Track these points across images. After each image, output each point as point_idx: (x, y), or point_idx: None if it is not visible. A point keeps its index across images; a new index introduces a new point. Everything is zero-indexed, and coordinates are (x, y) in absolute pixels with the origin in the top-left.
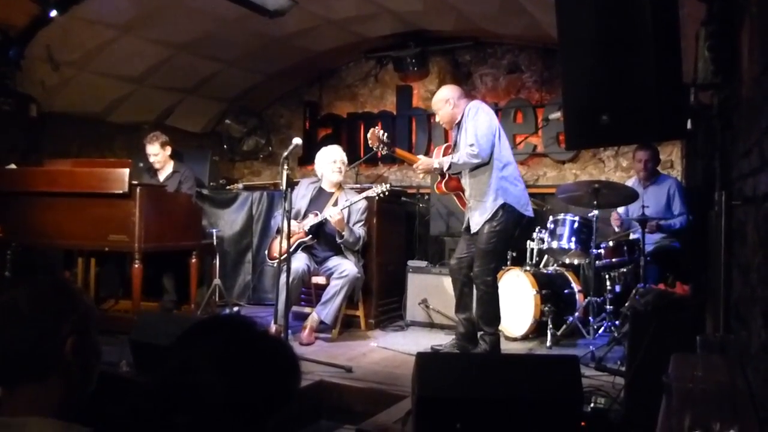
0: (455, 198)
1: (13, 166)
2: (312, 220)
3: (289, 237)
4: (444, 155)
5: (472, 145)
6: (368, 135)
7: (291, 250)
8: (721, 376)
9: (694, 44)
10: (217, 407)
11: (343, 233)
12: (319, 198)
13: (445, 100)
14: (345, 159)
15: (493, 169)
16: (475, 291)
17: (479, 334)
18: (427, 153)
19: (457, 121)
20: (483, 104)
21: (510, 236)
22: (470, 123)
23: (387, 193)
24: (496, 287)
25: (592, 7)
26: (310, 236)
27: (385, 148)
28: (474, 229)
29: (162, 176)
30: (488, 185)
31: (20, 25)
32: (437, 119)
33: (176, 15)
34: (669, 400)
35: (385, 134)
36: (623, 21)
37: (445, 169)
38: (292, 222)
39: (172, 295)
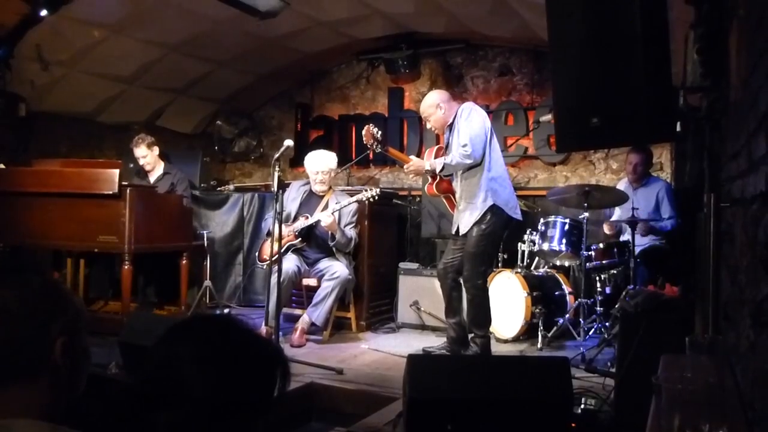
0: (444, 201)
1: (1, 165)
2: (302, 222)
3: (280, 239)
4: (436, 157)
5: (465, 146)
6: (363, 132)
7: (277, 255)
8: (711, 377)
9: (683, 47)
10: (201, 405)
11: (336, 235)
12: (310, 201)
13: (435, 105)
14: (331, 166)
15: (484, 170)
16: (464, 294)
17: (470, 336)
18: (419, 155)
19: (448, 123)
20: (475, 106)
21: (499, 239)
22: (463, 124)
23: (377, 198)
24: (487, 290)
25: (582, 10)
26: (300, 239)
27: (379, 146)
28: (463, 230)
29: (153, 177)
30: (478, 186)
31: (10, 24)
32: (428, 126)
33: (167, 15)
34: (658, 400)
35: (379, 132)
36: (613, 24)
37: (438, 171)
38: (282, 225)
39: (151, 296)
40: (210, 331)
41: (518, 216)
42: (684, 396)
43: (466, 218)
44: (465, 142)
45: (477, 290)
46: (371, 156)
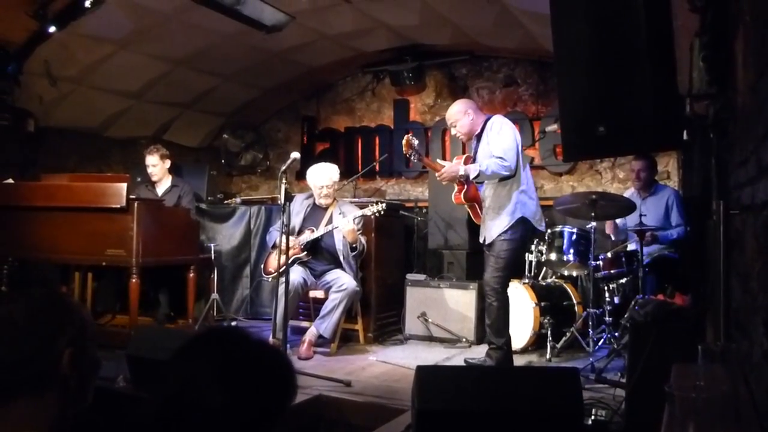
0: (469, 210)
1: (10, 180)
2: (308, 236)
3: (287, 251)
4: (465, 165)
5: (502, 158)
6: (403, 142)
7: (284, 267)
8: (724, 386)
9: (689, 55)
10: (219, 420)
11: (355, 245)
12: (314, 214)
13: (463, 112)
14: (334, 178)
15: (516, 182)
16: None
17: (487, 348)
18: (424, 166)
19: (476, 133)
20: (505, 119)
21: (523, 247)
22: (494, 136)
23: (383, 212)
24: (507, 297)
25: (586, 20)
26: (305, 252)
27: (417, 155)
28: (489, 240)
29: (160, 189)
30: (509, 199)
31: (19, 41)
32: (454, 132)
33: (174, 30)
34: (671, 410)
35: (417, 142)
36: (618, 33)
37: (471, 177)
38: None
39: (165, 309)
40: (225, 347)
41: (542, 227)
42: (697, 405)
43: (492, 229)
44: (501, 155)
45: (497, 294)
46: (411, 164)
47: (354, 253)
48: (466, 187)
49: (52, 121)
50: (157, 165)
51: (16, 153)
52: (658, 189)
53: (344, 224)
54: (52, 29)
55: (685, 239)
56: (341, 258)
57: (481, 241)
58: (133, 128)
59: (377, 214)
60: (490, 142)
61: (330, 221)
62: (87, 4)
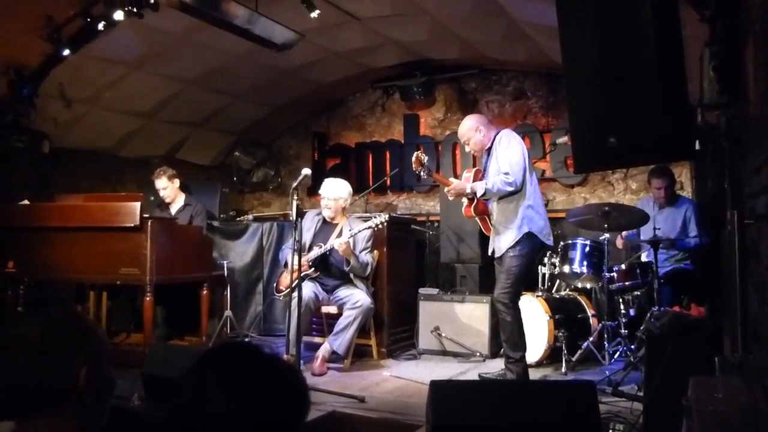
0: (480, 222)
1: (26, 201)
2: (315, 252)
3: (300, 267)
4: (474, 179)
5: (507, 174)
6: (412, 159)
7: (296, 283)
8: (743, 397)
9: (699, 65)
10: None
11: (350, 261)
12: (324, 230)
13: (474, 128)
14: (340, 194)
15: (522, 197)
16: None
17: (504, 361)
18: (435, 181)
19: (486, 148)
20: (513, 133)
21: (531, 261)
22: (502, 151)
23: (386, 223)
24: (517, 310)
25: (595, 32)
26: (313, 269)
27: (425, 171)
28: (498, 254)
29: (174, 209)
30: (516, 213)
31: (34, 64)
32: (467, 149)
33: (185, 51)
34: (690, 423)
35: (426, 158)
36: (627, 43)
37: (478, 195)
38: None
39: (162, 329)
40: (236, 361)
41: (551, 242)
42: (716, 417)
43: (500, 243)
44: (506, 170)
45: (508, 309)
46: (420, 179)
47: (347, 268)
48: (475, 201)
49: (66, 142)
50: (167, 187)
51: (32, 174)
52: (678, 201)
53: (338, 242)
54: (66, 52)
55: (701, 248)
56: (351, 274)
57: (489, 253)
58: (146, 148)
59: (381, 225)
60: (498, 157)
61: (340, 237)
62: (100, 26)
